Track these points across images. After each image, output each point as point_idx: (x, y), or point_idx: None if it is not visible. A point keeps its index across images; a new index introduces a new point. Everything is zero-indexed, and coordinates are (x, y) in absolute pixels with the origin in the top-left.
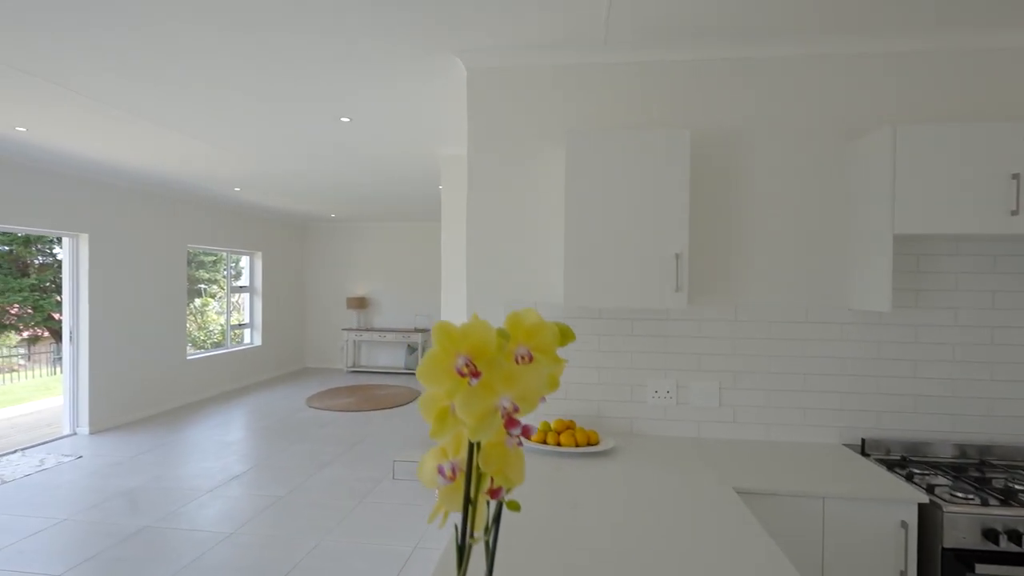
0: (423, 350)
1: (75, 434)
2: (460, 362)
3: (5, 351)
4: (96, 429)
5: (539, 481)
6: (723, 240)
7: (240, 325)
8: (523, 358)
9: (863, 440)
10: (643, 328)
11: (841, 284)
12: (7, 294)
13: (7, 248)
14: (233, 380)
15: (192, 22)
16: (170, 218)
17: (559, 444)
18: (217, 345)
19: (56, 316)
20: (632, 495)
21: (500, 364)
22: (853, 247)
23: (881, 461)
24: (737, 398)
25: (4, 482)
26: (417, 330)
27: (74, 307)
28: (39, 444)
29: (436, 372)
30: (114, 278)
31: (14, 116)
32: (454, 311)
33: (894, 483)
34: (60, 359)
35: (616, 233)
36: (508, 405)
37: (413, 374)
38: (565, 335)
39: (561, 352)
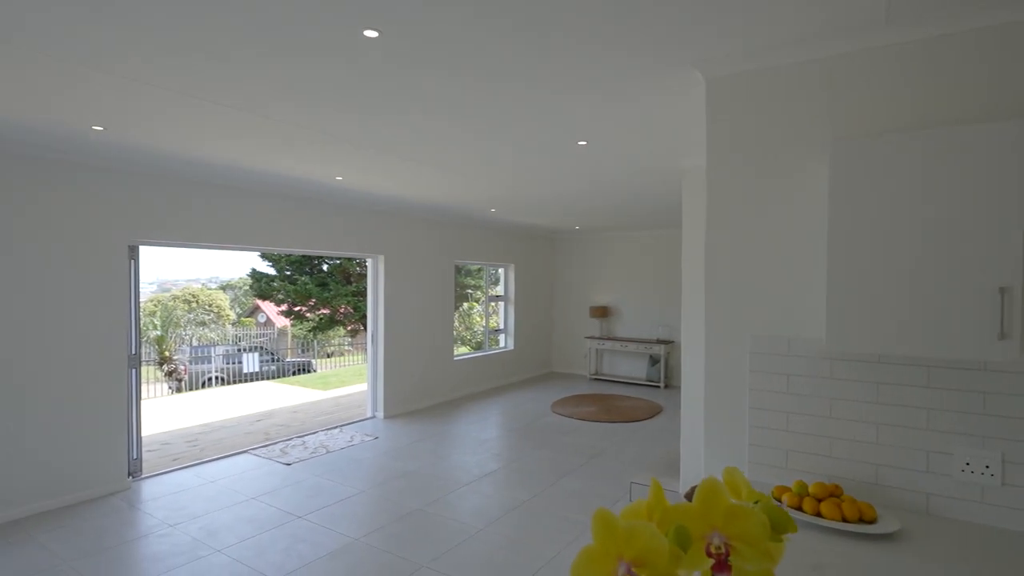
0: (665, 362)
1: (374, 417)
2: (621, 572)
3: (337, 341)
4: (388, 415)
5: (789, 568)
6: None
7: (496, 330)
8: (718, 549)
9: None
10: (946, 379)
11: None
12: (337, 298)
13: (337, 262)
14: (489, 380)
15: (452, 79)
16: (441, 238)
17: (819, 515)
18: (479, 346)
19: None
20: None
21: None
22: None
23: None
24: None
25: (328, 452)
26: (659, 341)
27: (375, 314)
28: (351, 423)
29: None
30: (401, 290)
31: (334, 169)
32: (695, 326)
33: None
34: None
35: (902, 262)
36: None
37: (655, 385)
38: (780, 526)
39: (824, 393)
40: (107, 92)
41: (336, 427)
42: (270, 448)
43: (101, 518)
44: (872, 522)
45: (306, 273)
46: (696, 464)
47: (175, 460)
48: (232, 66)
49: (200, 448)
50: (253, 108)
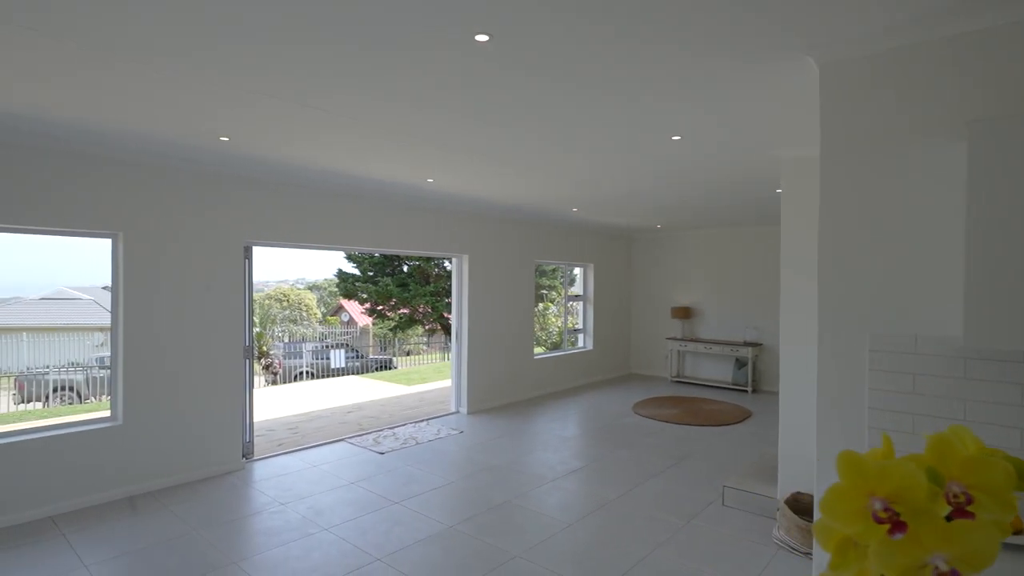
0: (753, 365)
1: (458, 412)
2: (877, 506)
3: (414, 340)
4: (471, 411)
5: None
6: None
7: (575, 330)
8: (957, 498)
9: None
10: None
11: None
12: (416, 298)
13: (416, 263)
14: (568, 380)
15: (555, 82)
16: (522, 237)
17: None
18: (555, 346)
19: (446, 315)
20: None
21: (932, 516)
22: None
23: None
24: None
25: (417, 443)
26: (747, 343)
27: (459, 312)
28: (436, 417)
29: (843, 511)
30: (484, 289)
31: (427, 172)
32: (797, 326)
33: None
34: (449, 348)
35: None
36: (943, 566)
37: (741, 390)
38: None
39: (957, 394)
40: (234, 105)
41: (423, 420)
42: (364, 438)
43: (222, 493)
44: (1021, 533)
45: (387, 274)
46: (796, 469)
47: (279, 445)
48: (348, 75)
49: (301, 435)
50: (362, 115)
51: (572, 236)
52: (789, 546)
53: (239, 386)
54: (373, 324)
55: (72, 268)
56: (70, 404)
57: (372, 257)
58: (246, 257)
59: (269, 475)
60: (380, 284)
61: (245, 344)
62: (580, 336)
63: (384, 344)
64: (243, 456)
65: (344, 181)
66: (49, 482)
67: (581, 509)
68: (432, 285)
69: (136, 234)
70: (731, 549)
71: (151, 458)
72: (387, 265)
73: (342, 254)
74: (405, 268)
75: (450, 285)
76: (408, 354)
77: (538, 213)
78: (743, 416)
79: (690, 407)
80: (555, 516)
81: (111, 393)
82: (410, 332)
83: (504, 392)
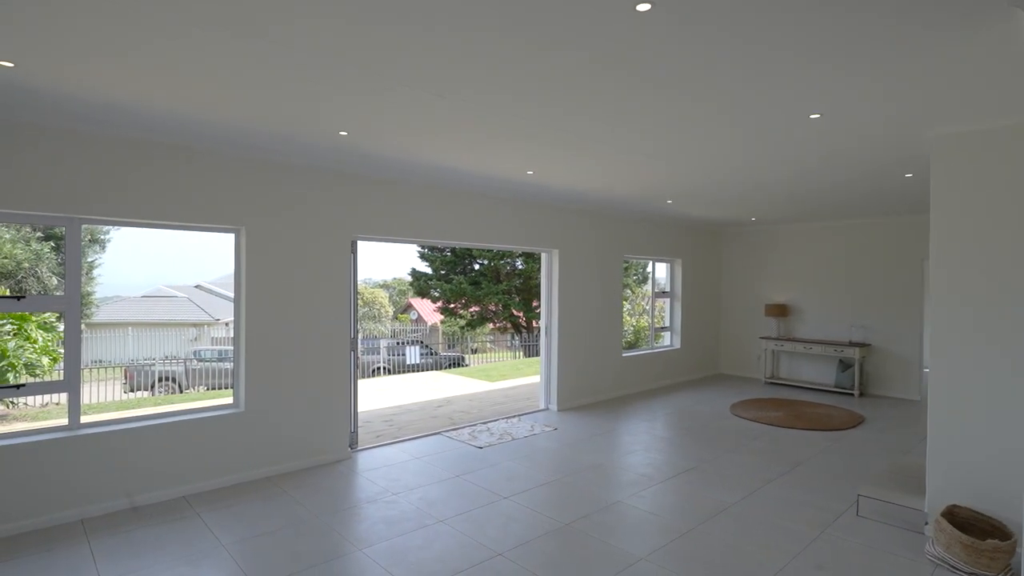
0: (860, 367)
1: (547, 409)
2: None
3: (482, 337)
4: (561, 407)
5: None
6: None
7: (661, 328)
8: None
9: None
10: None
11: None
12: (488, 296)
13: (488, 262)
14: (655, 379)
15: (705, 55)
16: (610, 232)
17: None
18: (631, 345)
19: (516, 313)
20: None
21: None
22: None
23: None
24: None
25: (513, 439)
26: (852, 344)
27: (549, 307)
28: (527, 413)
29: None
30: (574, 285)
31: (526, 166)
32: (949, 328)
33: None
34: (517, 346)
35: None
36: None
37: (847, 393)
38: None
39: None
40: (364, 98)
41: (514, 416)
42: (459, 432)
43: (334, 481)
44: None
45: (459, 272)
46: (948, 480)
47: (378, 437)
48: (482, 65)
49: (397, 427)
50: (488, 105)
51: (659, 230)
52: (949, 564)
53: (345, 377)
54: (442, 322)
55: (170, 268)
56: (171, 393)
57: (444, 256)
58: (352, 252)
59: (375, 465)
60: (453, 282)
61: (351, 336)
62: (667, 334)
63: (452, 342)
64: (349, 446)
65: (445, 175)
66: (181, 464)
67: (700, 513)
68: (504, 283)
69: (256, 229)
70: (879, 564)
71: (269, 444)
72: (458, 264)
73: (414, 253)
74: (477, 266)
75: (519, 283)
76: (475, 351)
77: (627, 207)
78: (855, 421)
79: (793, 410)
80: (673, 519)
81: (233, 381)
82: (479, 330)
83: (592, 389)
